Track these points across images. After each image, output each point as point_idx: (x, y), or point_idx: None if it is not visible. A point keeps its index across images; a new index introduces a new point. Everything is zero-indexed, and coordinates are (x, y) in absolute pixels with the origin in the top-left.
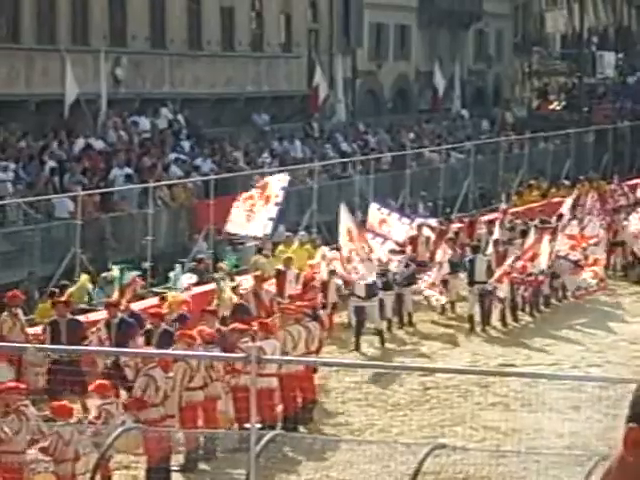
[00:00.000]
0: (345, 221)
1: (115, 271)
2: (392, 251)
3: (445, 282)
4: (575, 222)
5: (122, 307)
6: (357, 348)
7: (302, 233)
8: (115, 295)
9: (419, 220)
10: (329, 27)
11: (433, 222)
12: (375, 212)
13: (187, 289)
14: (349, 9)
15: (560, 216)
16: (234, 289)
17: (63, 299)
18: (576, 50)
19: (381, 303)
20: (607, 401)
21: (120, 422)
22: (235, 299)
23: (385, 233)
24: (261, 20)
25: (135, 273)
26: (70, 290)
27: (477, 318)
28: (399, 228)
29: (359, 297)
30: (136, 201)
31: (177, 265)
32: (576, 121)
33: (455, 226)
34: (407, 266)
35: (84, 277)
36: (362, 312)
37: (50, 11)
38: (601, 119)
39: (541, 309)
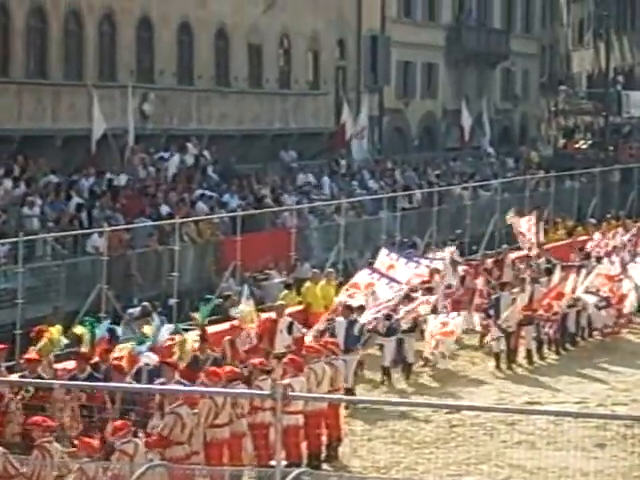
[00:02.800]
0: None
1: (83, 328)
2: (409, 296)
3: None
4: (615, 260)
5: (93, 361)
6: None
7: (329, 270)
8: (85, 348)
9: (426, 263)
10: (356, 65)
11: (440, 265)
12: (384, 258)
13: (169, 340)
14: (376, 47)
15: (587, 255)
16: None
17: (33, 356)
18: (602, 89)
19: (382, 348)
20: (632, 439)
21: (146, 460)
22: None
23: (391, 277)
24: (289, 57)
25: (104, 329)
26: (39, 345)
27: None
28: (404, 272)
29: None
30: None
31: (155, 315)
32: (602, 160)
33: (462, 268)
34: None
35: (55, 329)
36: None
37: (77, 46)
38: (627, 158)
39: (567, 347)
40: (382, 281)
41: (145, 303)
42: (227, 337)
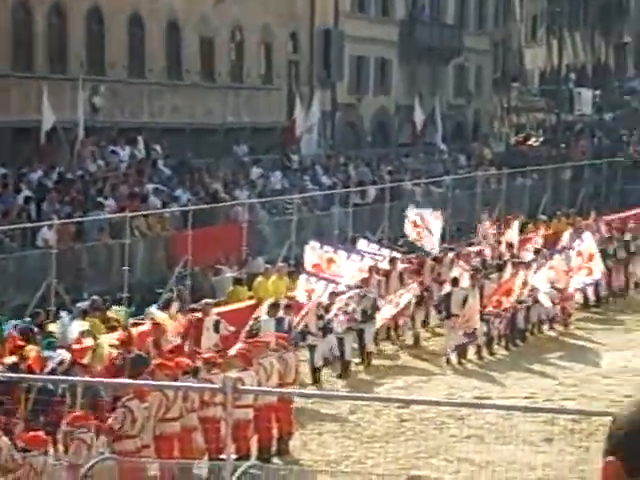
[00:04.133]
0: (312, 256)
1: None
2: (335, 293)
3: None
4: (563, 255)
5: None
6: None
7: (280, 264)
8: None
9: (368, 260)
10: (309, 59)
11: (379, 261)
12: (317, 251)
13: (78, 342)
14: (330, 41)
15: (538, 251)
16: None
17: None
18: (554, 87)
19: (312, 349)
20: (580, 434)
21: (98, 453)
22: (114, 353)
23: (334, 274)
24: (241, 51)
25: (13, 323)
26: None
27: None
28: (349, 267)
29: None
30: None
31: (63, 313)
32: (553, 157)
33: (402, 266)
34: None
35: None
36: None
37: (27, 38)
38: (578, 155)
39: (516, 343)
40: (320, 284)
41: (95, 297)
42: (150, 338)
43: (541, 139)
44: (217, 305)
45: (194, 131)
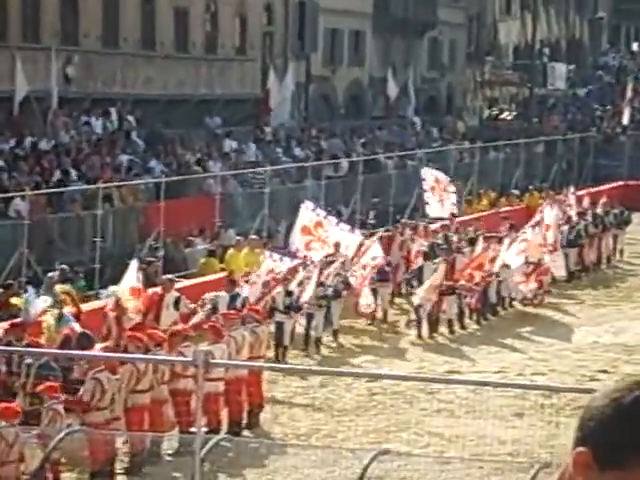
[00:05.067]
0: (304, 217)
1: None
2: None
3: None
4: (537, 230)
5: None
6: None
7: (253, 237)
8: None
9: (336, 237)
10: (284, 31)
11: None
12: (310, 213)
13: (43, 313)
14: (304, 13)
15: (512, 226)
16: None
17: None
18: (528, 61)
19: (280, 327)
20: (550, 409)
21: (66, 425)
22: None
23: (321, 239)
24: (215, 22)
25: None
26: None
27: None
28: (336, 234)
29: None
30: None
31: (29, 287)
32: (526, 131)
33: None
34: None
35: None
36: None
37: (0, 7)
38: (551, 130)
39: (488, 317)
40: (330, 220)
41: (64, 266)
42: (112, 314)
43: (514, 113)
44: (190, 277)
45: (167, 102)
